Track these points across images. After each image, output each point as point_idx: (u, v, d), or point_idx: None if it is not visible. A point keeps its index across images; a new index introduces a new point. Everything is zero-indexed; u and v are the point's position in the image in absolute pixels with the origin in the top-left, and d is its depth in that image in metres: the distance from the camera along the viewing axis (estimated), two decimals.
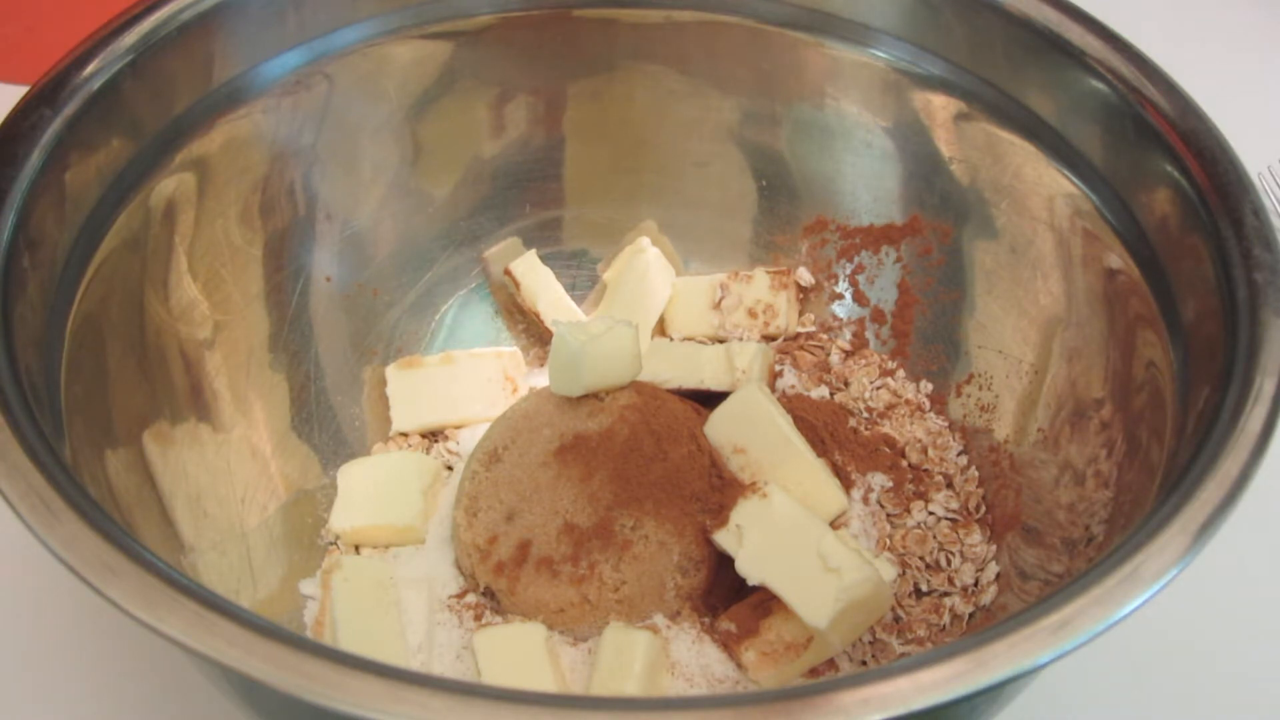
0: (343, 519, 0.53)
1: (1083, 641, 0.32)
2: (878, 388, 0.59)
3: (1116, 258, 0.48)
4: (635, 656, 0.45)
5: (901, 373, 0.59)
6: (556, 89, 0.59)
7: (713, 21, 0.57)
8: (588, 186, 0.62)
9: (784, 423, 0.51)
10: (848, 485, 0.54)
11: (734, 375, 0.55)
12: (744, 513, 0.48)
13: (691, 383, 0.55)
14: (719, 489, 0.50)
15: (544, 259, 0.61)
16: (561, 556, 0.49)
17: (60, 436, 0.39)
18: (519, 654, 0.47)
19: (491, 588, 0.50)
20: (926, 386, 0.59)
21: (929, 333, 0.59)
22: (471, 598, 0.51)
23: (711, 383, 0.55)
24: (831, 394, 0.59)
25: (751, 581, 0.46)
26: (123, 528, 0.35)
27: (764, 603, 0.47)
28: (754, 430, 0.51)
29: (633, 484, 0.49)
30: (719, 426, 0.52)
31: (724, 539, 0.48)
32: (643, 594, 0.48)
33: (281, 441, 0.54)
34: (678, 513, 0.49)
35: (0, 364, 0.38)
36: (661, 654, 0.47)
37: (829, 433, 0.55)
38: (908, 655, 0.48)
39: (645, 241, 0.61)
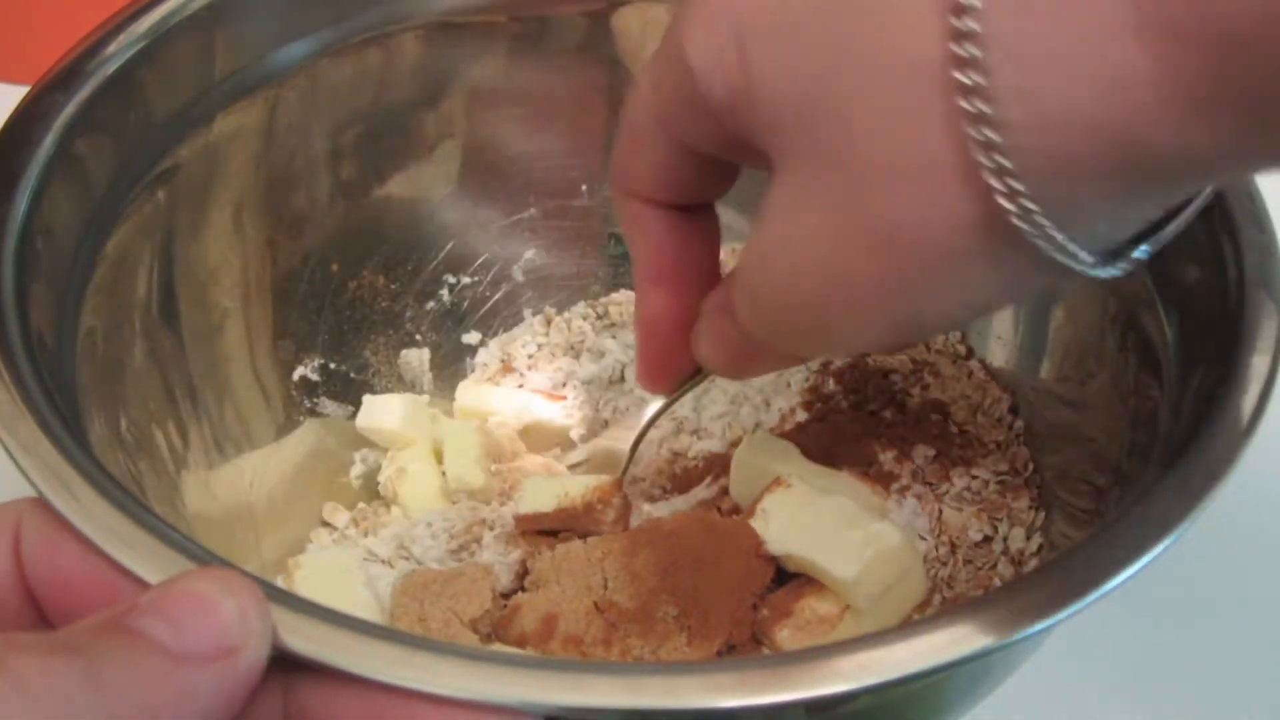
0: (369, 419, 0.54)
1: (1079, 608, 0.32)
2: None
3: None
4: None
5: None
6: (559, 81, 0.59)
7: None
8: (594, 176, 0.61)
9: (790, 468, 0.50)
10: (891, 481, 0.52)
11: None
12: (771, 500, 0.48)
13: None
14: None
15: (551, 249, 0.61)
16: (592, 639, 0.44)
17: (75, 417, 0.40)
18: None
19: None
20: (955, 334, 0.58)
21: None
22: None
23: None
24: None
25: (778, 551, 0.47)
26: (141, 504, 0.35)
27: (798, 587, 0.47)
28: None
29: (682, 569, 0.46)
30: (739, 489, 0.51)
31: (753, 525, 0.48)
32: None
33: (293, 427, 0.55)
34: (730, 603, 0.46)
35: (15, 344, 0.38)
36: None
37: (864, 427, 0.54)
38: None
39: None
